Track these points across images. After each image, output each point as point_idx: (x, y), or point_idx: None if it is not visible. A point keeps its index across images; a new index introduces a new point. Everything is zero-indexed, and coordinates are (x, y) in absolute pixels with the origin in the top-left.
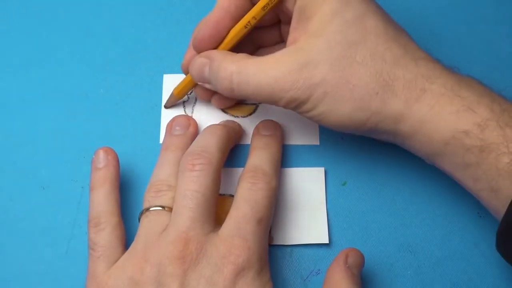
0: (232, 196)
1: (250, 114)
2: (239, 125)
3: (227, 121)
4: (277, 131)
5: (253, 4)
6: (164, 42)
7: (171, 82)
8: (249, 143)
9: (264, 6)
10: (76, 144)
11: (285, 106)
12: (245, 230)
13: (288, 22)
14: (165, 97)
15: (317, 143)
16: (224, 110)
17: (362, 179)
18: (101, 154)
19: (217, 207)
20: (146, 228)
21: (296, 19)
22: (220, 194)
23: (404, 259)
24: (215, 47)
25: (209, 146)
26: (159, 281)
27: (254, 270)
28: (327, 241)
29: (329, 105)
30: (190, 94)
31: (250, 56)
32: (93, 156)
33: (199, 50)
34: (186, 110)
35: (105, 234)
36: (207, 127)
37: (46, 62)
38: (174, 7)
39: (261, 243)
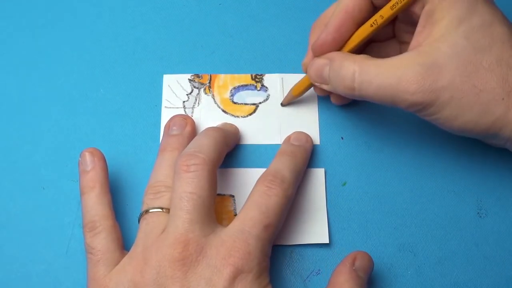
0: (232, 196)
1: (250, 114)
2: (236, 127)
3: (224, 123)
4: (308, 143)
5: (376, 8)
6: (164, 42)
7: (171, 82)
8: (250, 143)
9: (392, 5)
10: (76, 144)
11: (407, 109)
12: (248, 234)
13: (406, 22)
14: (165, 97)
15: (317, 143)
16: (224, 110)
17: (362, 179)
18: (88, 156)
19: (216, 207)
20: (145, 230)
21: (422, 23)
22: (220, 194)
23: (404, 259)
24: (337, 50)
25: (203, 147)
26: (159, 283)
27: (252, 274)
28: (327, 241)
29: (454, 110)
30: (190, 94)
31: (371, 57)
32: (80, 158)
33: (319, 54)
34: (187, 111)
35: (102, 238)
36: (203, 130)
37: (46, 62)
38: (174, 7)
39: (263, 249)
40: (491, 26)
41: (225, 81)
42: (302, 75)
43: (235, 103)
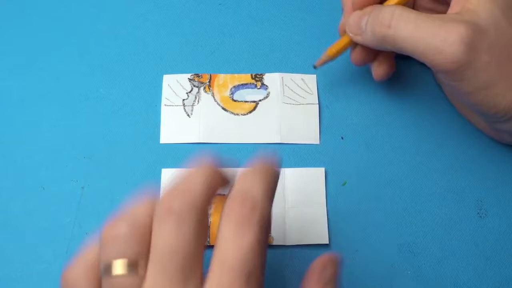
0: None
1: (250, 112)
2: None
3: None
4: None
5: None
6: (164, 42)
7: (171, 81)
8: (249, 142)
9: None
10: (76, 144)
11: (439, 66)
12: None
13: None
14: (165, 96)
15: (317, 143)
16: (224, 108)
17: (362, 179)
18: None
19: (216, 207)
20: None
21: None
22: (220, 194)
23: (404, 259)
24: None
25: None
26: None
27: None
28: (327, 242)
29: (487, 78)
30: (189, 92)
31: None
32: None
33: (360, 7)
34: (186, 108)
35: None
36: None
37: (46, 62)
38: (174, 7)
39: None
40: None
41: (225, 80)
42: (302, 75)
43: (235, 100)
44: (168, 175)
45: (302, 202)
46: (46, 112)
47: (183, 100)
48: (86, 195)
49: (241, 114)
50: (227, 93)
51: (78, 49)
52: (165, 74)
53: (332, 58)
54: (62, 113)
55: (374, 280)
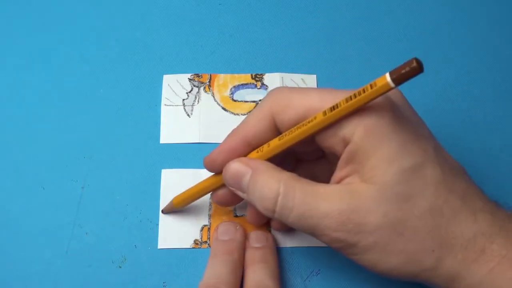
0: None
1: (250, 112)
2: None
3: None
4: (269, 241)
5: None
6: (164, 42)
7: (171, 81)
8: None
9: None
10: (76, 144)
11: (328, 243)
12: None
13: (332, 154)
14: (164, 95)
15: None
16: (224, 108)
17: None
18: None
19: (217, 207)
20: None
21: (345, 160)
22: None
23: None
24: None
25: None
26: None
27: None
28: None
29: (377, 255)
30: (189, 92)
31: (298, 178)
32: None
33: (209, 170)
34: (186, 108)
35: None
36: (215, 255)
37: (46, 62)
38: (174, 7)
39: None
40: (423, 169)
41: (225, 80)
42: (302, 75)
43: (235, 100)
44: (168, 176)
45: None
46: (46, 112)
47: (183, 100)
48: (86, 195)
49: (241, 114)
50: (227, 93)
51: (78, 49)
52: (165, 74)
53: (180, 208)
54: (62, 113)
55: (374, 279)
